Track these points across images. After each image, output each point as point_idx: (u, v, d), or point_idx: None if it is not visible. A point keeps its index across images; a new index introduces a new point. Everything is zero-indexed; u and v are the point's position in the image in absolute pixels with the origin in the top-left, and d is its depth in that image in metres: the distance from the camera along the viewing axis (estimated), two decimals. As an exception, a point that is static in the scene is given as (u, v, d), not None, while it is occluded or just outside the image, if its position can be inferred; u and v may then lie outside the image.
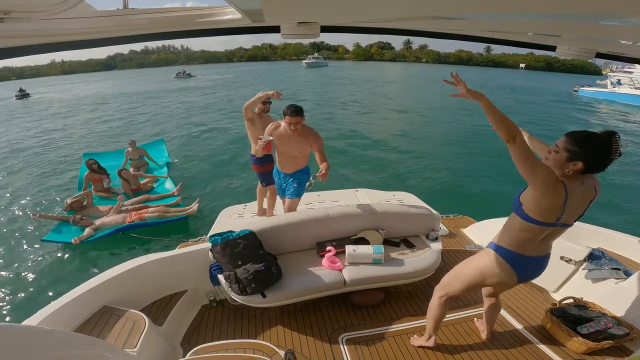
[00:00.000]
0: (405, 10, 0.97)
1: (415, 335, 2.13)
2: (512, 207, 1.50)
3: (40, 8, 0.77)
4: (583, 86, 26.64)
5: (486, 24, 1.37)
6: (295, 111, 2.66)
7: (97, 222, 4.66)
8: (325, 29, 1.49)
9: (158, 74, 46.55)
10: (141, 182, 6.00)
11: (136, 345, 1.75)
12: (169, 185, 6.05)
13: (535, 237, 1.46)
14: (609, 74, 25.93)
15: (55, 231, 4.69)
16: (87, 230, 4.48)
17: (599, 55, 1.87)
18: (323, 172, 2.49)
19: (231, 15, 1.25)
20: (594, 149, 1.32)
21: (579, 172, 1.36)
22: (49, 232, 4.65)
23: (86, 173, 5.70)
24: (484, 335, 2.11)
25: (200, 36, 1.47)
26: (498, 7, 0.77)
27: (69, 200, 5.10)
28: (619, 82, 23.70)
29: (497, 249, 1.57)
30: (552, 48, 1.84)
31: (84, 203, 5.13)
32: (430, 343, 2.00)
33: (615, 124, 14.64)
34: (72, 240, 4.31)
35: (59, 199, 6.18)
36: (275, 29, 1.44)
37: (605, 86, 25.17)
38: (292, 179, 3.04)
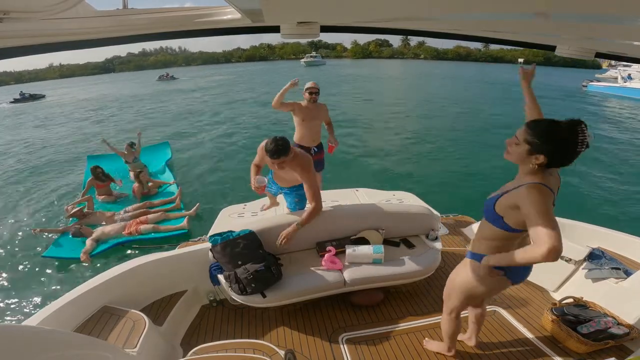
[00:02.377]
0: (405, 10, 0.97)
1: (427, 338, 2.09)
2: (486, 218, 1.39)
3: (40, 8, 0.77)
4: (592, 81, 26.13)
5: (486, 24, 1.37)
6: (275, 153, 2.13)
7: (97, 232, 4.57)
8: (325, 28, 1.49)
9: (151, 76, 45.63)
10: (149, 185, 6.01)
11: (136, 346, 1.75)
12: (174, 189, 6.04)
13: (516, 243, 1.39)
14: (619, 68, 25.40)
15: (56, 245, 4.55)
16: (88, 242, 4.38)
17: (599, 55, 1.87)
18: (303, 218, 2.31)
19: (231, 15, 1.25)
20: (556, 142, 1.17)
21: (544, 166, 1.23)
22: (50, 247, 4.52)
23: (90, 179, 5.63)
24: (471, 342, 2.04)
25: (200, 36, 1.47)
26: (498, 8, 0.77)
27: (69, 208, 5.02)
28: (629, 77, 23.21)
29: (481, 258, 1.45)
30: (552, 48, 1.85)
31: (85, 209, 5.04)
32: (452, 353, 1.95)
33: (628, 121, 14.35)
34: (82, 258, 4.15)
35: (59, 207, 6.03)
36: (275, 29, 1.43)
37: (614, 80, 24.72)
38: (291, 193, 2.71)
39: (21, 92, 29.18)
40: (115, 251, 4.48)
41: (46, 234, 4.82)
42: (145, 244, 4.54)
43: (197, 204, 5.34)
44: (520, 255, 1.23)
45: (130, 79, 49.41)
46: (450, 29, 1.77)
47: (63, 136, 12.84)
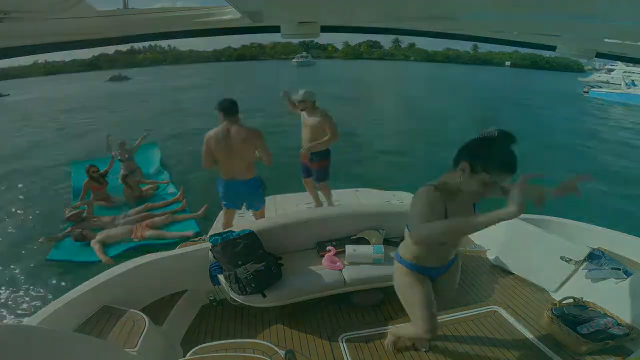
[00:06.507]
0: (406, 10, 0.97)
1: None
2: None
3: (40, 8, 0.77)
4: (593, 87, 25.93)
5: (487, 24, 1.37)
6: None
7: (102, 234, 4.35)
8: (325, 28, 1.49)
9: (135, 74, 43.00)
10: (142, 188, 5.64)
11: (136, 345, 1.75)
12: (171, 190, 5.77)
13: None
14: (623, 73, 25.12)
15: (58, 247, 4.30)
16: (94, 244, 4.18)
17: (599, 55, 1.87)
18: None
19: (231, 15, 1.25)
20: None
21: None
22: (52, 249, 4.28)
23: (85, 181, 5.22)
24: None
25: (200, 36, 1.47)
26: (500, 8, 0.77)
27: (67, 211, 4.78)
28: (633, 83, 22.92)
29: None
30: (552, 48, 1.84)
31: (84, 214, 4.77)
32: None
33: (630, 126, 14.23)
34: (104, 260, 3.94)
35: (52, 214, 5.55)
36: (275, 29, 1.43)
37: (617, 86, 24.52)
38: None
39: None
40: (127, 254, 4.34)
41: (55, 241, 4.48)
42: (157, 249, 4.41)
43: (205, 205, 5.13)
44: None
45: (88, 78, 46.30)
46: (451, 29, 1.77)
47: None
